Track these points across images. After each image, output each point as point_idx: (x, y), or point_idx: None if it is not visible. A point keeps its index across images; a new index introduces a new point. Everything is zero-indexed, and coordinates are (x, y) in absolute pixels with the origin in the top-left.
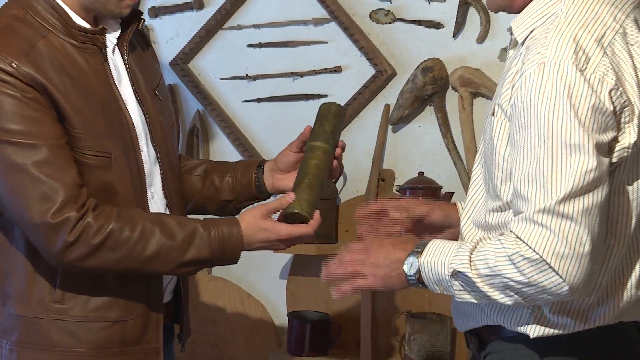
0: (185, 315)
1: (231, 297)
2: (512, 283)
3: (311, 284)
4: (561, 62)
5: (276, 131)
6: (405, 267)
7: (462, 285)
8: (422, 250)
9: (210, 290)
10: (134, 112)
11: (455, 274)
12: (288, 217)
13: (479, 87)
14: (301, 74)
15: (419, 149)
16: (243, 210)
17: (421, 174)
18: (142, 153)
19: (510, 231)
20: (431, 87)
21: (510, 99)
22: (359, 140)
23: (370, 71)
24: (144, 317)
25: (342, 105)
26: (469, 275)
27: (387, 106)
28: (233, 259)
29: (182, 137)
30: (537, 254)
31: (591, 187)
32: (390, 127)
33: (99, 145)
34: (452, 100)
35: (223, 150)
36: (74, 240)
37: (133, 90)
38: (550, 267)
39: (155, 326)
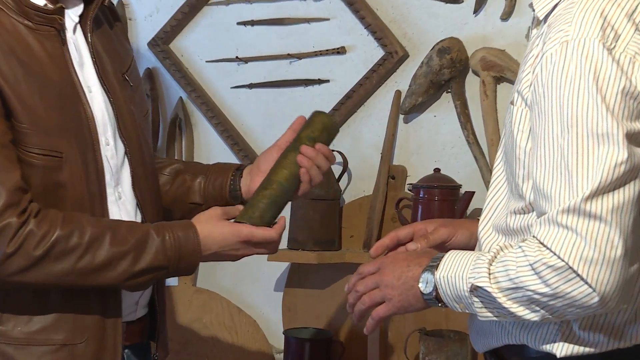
0: (162, 332)
1: (219, 312)
2: (536, 296)
3: (311, 297)
4: (586, 40)
5: (270, 122)
6: (421, 285)
7: (482, 302)
8: (438, 264)
9: (195, 304)
10: (99, 101)
11: (475, 290)
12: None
13: (503, 71)
14: (299, 56)
15: (434, 142)
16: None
17: (437, 170)
18: (107, 148)
19: (533, 236)
20: (448, 71)
21: (530, 85)
22: (365, 132)
23: (378, 53)
24: (98, 339)
25: (335, 118)
26: (489, 290)
27: (398, 93)
28: (190, 268)
29: (162, 128)
30: (563, 260)
31: (622, 182)
32: (401, 117)
33: (48, 143)
34: (472, 86)
35: (209, 143)
36: (13, 251)
37: (98, 75)
38: (578, 275)
39: (111, 351)
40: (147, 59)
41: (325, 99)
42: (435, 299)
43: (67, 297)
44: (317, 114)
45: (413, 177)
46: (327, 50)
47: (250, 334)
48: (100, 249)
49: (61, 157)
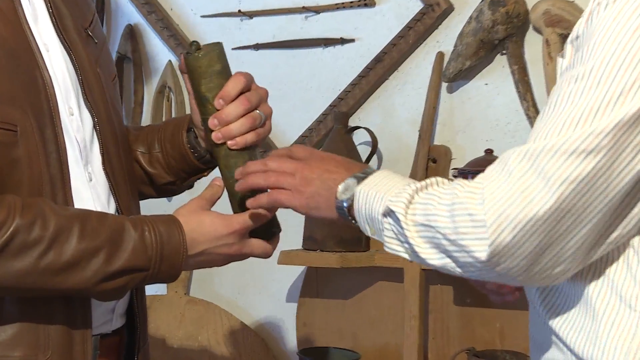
0: (142, 346)
1: (217, 327)
2: (444, 241)
3: (331, 310)
4: None
5: (281, 91)
6: (340, 188)
7: (393, 231)
8: (366, 177)
9: (188, 317)
10: (58, 61)
11: (388, 214)
12: None
13: (572, 28)
14: (317, 9)
15: (485, 116)
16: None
17: (489, 152)
18: (72, 118)
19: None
20: (503, 28)
21: (579, 30)
22: (399, 105)
23: (416, 5)
24: (64, 355)
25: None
26: (400, 218)
27: (441, 55)
28: (173, 272)
29: (146, 99)
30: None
31: (597, 152)
32: (444, 85)
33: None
34: (533, 46)
35: None
36: None
37: (56, 30)
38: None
39: None
40: (127, 14)
41: (349, 63)
42: (347, 210)
43: (25, 305)
44: (191, 60)
45: (459, 160)
46: (351, 2)
47: (257, 354)
48: (67, 243)
49: (15, 130)
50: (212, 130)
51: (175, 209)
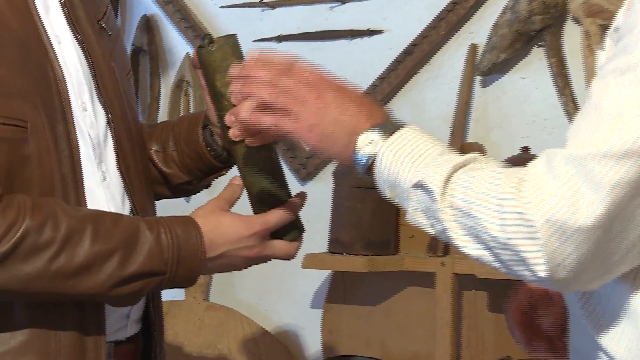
0: (158, 354)
1: (238, 334)
2: (485, 236)
3: (359, 316)
4: None
5: None
6: (361, 141)
7: (421, 203)
8: (394, 132)
9: (207, 324)
10: (71, 54)
11: (419, 186)
12: None
13: (613, 19)
14: (343, 0)
15: (522, 111)
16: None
17: (525, 149)
18: (85, 114)
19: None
20: (541, 19)
21: (617, 22)
22: (430, 100)
23: None
24: None
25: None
26: (436, 196)
27: (474, 48)
28: (190, 276)
29: (163, 94)
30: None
31: None
32: (478, 79)
33: (9, 109)
34: (572, 38)
35: None
36: None
37: (68, 22)
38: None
39: None
40: (143, 4)
41: (376, 56)
42: (366, 168)
43: (36, 310)
44: (204, 54)
45: (494, 158)
46: None
47: None
48: (80, 245)
49: (26, 127)
50: (229, 128)
51: (193, 210)
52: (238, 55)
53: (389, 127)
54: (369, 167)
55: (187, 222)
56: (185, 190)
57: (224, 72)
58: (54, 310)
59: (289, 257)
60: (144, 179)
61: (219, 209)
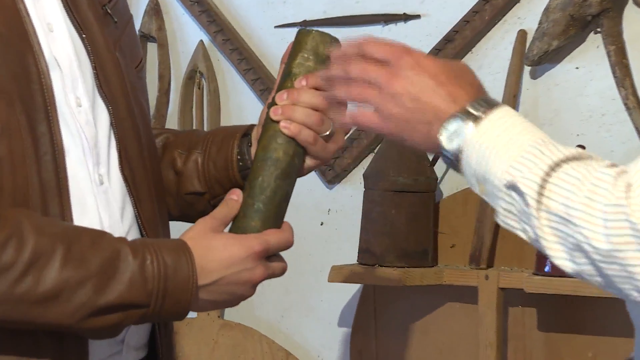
0: None
1: (257, 355)
2: (587, 247)
3: (392, 335)
4: None
5: None
6: (444, 136)
7: (512, 205)
8: (482, 118)
9: (223, 344)
10: (64, 43)
11: (511, 187)
12: None
13: None
14: None
15: (576, 106)
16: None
17: (581, 148)
18: (79, 110)
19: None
20: (597, 2)
21: None
22: None
23: None
24: None
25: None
26: (529, 201)
27: (523, 34)
28: (179, 310)
29: (173, 86)
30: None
31: None
32: (527, 69)
33: None
34: (633, 23)
35: (243, 107)
36: None
37: (65, 7)
38: None
39: None
40: None
41: (414, 43)
42: (453, 161)
43: (6, 335)
44: (303, 33)
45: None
46: None
47: None
48: (48, 269)
49: None
50: (274, 104)
51: (183, 232)
52: (329, 57)
53: (478, 109)
54: (455, 160)
55: (179, 249)
56: (189, 204)
57: (307, 56)
58: (29, 337)
59: (283, 272)
60: (153, 186)
61: (211, 231)
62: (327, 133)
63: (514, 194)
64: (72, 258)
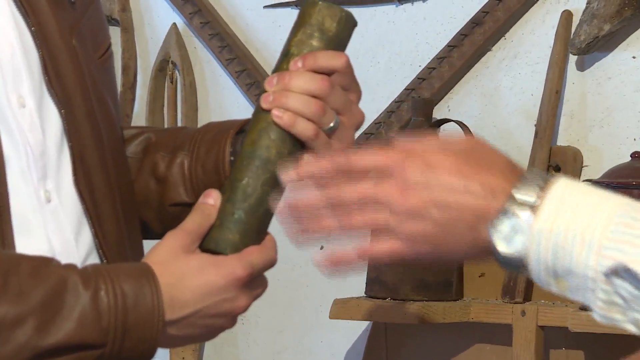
0: None
1: None
2: None
3: None
4: None
5: None
6: (497, 237)
7: (619, 295)
8: (538, 205)
9: None
10: (4, 31)
11: (617, 273)
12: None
13: None
14: None
15: (632, 104)
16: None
17: (637, 156)
18: (23, 112)
19: None
20: None
21: None
22: (506, 87)
23: None
24: None
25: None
26: None
27: (568, 16)
28: (144, 349)
29: (140, 79)
30: None
31: None
32: (573, 59)
33: None
34: None
35: (226, 105)
36: None
37: None
38: None
39: None
40: None
41: (433, 27)
42: (517, 262)
43: None
44: (308, 4)
45: (594, 168)
46: None
47: None
48: None
49: None
50: (265, 92)
51: (147, 253)
52: (340, 35)
53: (526, 195)
54: (521, 262)
55: (141, 274)
56: (173, 218)
57: (310, 33)
58: None
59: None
60: (120, 203)
61: (182, 250)
62: (331, 125)
63: (617, 280)
64: (9, 292)
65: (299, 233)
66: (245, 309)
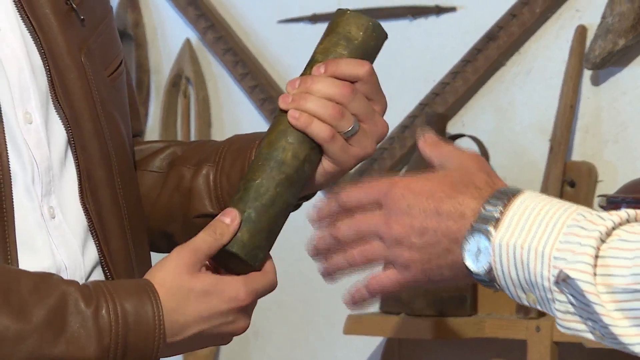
0: None
1: None
2: None
3: None
4: None
5: None
6: (467, 256)
7: (571, 302)
8: (499, 219)
9: None
10: (12, 48)
11: (564, 280)
12: (221, 256)
13: None
14: None
15: None
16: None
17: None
18: (29, 128)
19: None
20: None
21: None
22: (521, 102)
23: None
24: None
25: (381, 27)
26: (587, 288)
27: (582, 31)
28: None
29: (154, 94)
30: None
31: None
32: (588, 74)
33: None
34: None
35: (240, 121)
36: None
37: (16, 5)
38: None
39: None
40: None
41: (448, 41)
42: (488, 276)
43: None
44: (337, 13)
45: (609, 183)
46: None
47: None
48: None
49: None
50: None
51: (151, 270)
52: (367, 44)
53: (490, 213)
54: (490, 275)
55: (142, 292)
56: (198, 230)
57: (336, 40)
58: None
59: None
60: (127, 219)
61: (186, 271)
62: (349, 129)
63: (565, 288)
64: (9, 309)
65: (324, 271)
66: (244, 329)
